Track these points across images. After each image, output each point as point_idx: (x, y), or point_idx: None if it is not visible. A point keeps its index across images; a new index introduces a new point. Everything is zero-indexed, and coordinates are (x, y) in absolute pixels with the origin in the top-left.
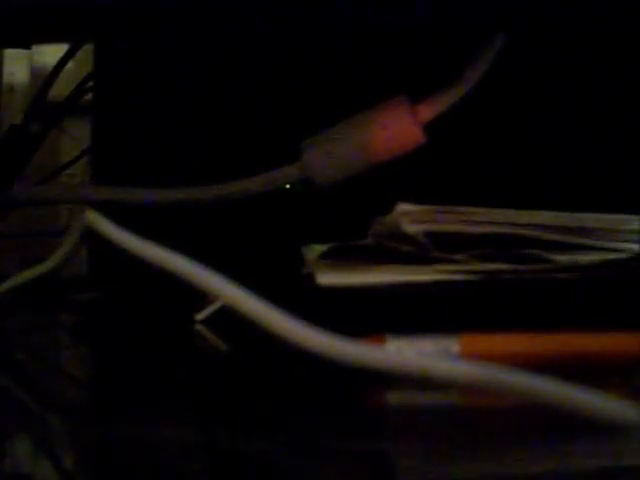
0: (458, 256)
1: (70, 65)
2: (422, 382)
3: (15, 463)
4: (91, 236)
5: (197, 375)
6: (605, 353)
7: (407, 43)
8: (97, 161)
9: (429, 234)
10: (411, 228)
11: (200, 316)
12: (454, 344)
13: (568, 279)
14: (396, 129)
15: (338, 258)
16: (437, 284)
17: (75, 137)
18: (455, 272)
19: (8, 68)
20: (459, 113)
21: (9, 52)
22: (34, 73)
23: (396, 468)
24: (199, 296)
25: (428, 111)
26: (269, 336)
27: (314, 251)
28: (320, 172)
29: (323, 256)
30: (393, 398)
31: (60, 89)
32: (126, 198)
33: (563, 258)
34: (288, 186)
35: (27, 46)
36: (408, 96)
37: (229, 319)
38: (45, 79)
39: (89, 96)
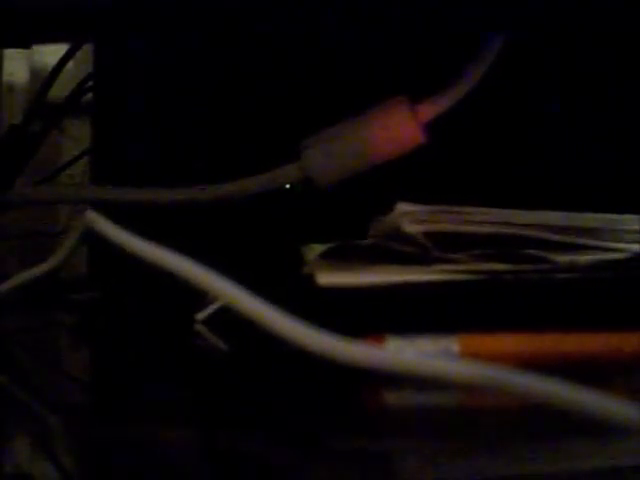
0: (458, 256)
1: (70, 65)
2: (422, 382)
3: (15, 463)
4: (91, 236)
5: (197, 375)
6: (605, 353)
7: (407, 43)
8: (97, 161)
9: (429, 234)
10: (411, 228)
11: (200, 316)
12: (454, 344)
13: (568, 279)
14: (396, 129)
15: (338, 258)
16: (437, 284)
17: (75, 137)
18: (455, 272)
19: (8, 68)
20: (459, 113)
21: (9, 52)
22: (34, 73)
23: (396, 468)
24: (199, 296)
25: (428, 111)
26: (269, 336)
27: (314, 251)
28: (320, 172)
29: (323, 256)
30: (393, 398)
31: (60, 89)
32: (126, 198)
33: (563, 258)
34: (288, 186)
35: (27, 46)
36: (408, 96)
37: (229, 319)
38: (45, 79)
39: (89, 96)
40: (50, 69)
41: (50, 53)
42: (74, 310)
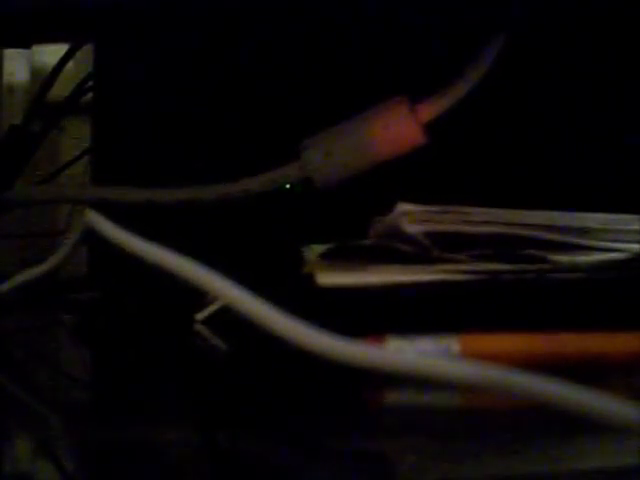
0: (458, 256)
1: (70, 65)
2: (422, 382)
3: (15, 463)
4: (91, 236)
5: (197, 375)
6: (605, 353)
7: (407, 43)
8: (97, 161)
9: (429, 234)
10: (411, 228)
11: (200, 316)
12: (454, 344)
13: (568, 279)
14: (396, 129)
15: (338, 258)
16: (437, 284)
17: (75, 137)
18: (455, 272)
19: (8, 68)
20: (459, 113)
21: (9, 52)
22: (34, 73)
23: (396, 468)
24: (199, 296)
25: (428, 111)
26: (269, 336)
27: (314, 251)
28: (320, 172)
29: (323, 256)
30: (393, 398)
31: (60, 89)
32: (126, 198)
33: (563, 258)
34: (288, 186)
35: (27, 46)
36: (408, 96)
37: (229, 319)
38: (45, 79)
39: (89, 96)
40: (50, 69)
41: (50, 53)
42: (74, 310)
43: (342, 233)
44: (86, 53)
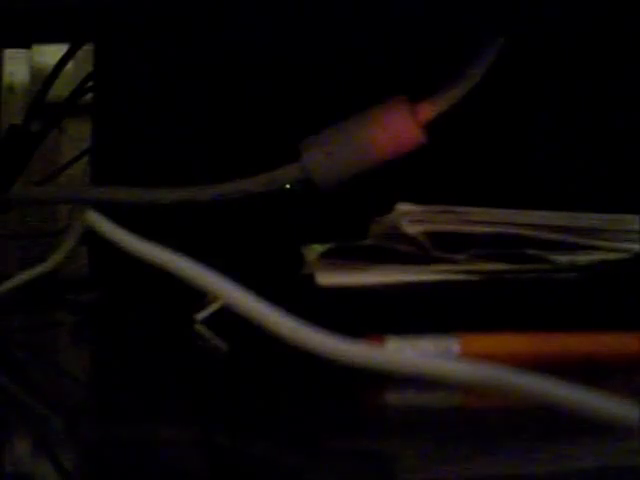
0: (458, 256)
1: (70, 65)
2: (422, 382)
3: (15, 463)
4: (91, 236)
5: (197, 375)
6: (605, 353)
7: (407, 43)
8: (97, 161)
9: (429, 234)
10: (411, 228)
11: (200, 316)
12: (454, 344)
13: (568, 279)
14: (396, 129)
15: (338, 258)
16: (437, 284)
17: (75, 137)
18: (455, 272)
19: (8, 68)
20: (459, 113)
21: (9, 52)
22: (34, 73)
23: (396, 468)
24: (199, 296)
25: (428, 111)
26: (269, 336)
27: (314, 251)
28: (320, 172)
29: (323, 256)
30: (393, 398)
31: (60, 89)
32: (126, 198)
33: (563, 258)
34: (288, 186)
35: (27, 46)
36: (408, 96)
37: (229, 319)
38: (45, 79)
39: (89, 96)
40: (50, 69)
41: (50, 53)
42: (74, 310)
43: (342, 233)
44: (86, 53)
